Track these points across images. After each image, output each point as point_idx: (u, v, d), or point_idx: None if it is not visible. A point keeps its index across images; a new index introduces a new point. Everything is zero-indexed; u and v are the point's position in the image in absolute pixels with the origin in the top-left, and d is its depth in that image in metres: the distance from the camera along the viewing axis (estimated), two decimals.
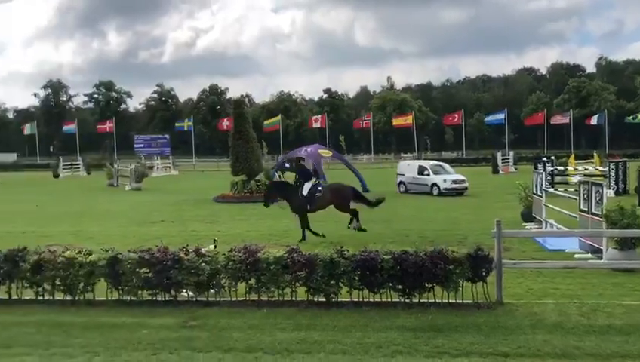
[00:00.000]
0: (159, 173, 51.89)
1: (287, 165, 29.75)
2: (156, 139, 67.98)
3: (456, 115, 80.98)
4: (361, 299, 8.79)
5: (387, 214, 20.41)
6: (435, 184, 28.46)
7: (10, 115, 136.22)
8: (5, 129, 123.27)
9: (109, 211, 23.08)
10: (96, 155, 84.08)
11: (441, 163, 33.21)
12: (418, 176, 29.47)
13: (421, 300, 8.68)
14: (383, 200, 16.44)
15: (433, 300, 8.65)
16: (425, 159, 51.15)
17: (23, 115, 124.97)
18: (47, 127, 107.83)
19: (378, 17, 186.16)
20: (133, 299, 9.02)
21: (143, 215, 21.51)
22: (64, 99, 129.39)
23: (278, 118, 78.11)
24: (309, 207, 15.63)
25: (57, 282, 9.07)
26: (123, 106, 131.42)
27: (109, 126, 77.18)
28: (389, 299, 8.73)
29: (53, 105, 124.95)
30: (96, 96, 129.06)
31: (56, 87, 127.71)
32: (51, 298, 9.19)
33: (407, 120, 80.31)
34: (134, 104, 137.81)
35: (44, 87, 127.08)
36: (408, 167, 31.37)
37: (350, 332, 7.59)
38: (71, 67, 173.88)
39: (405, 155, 69.69)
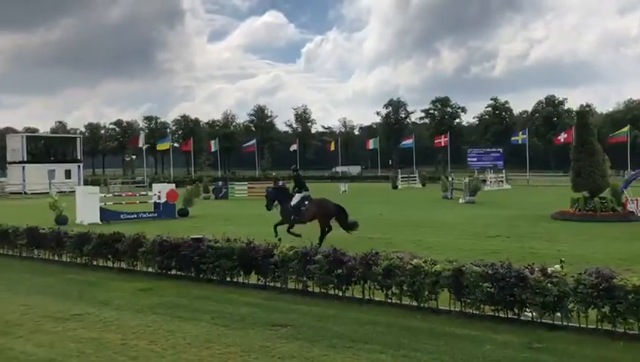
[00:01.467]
0: (492, 186, 51.56)
1: None
2: (489, 152, 67.59)
3: None
4: None
5: None
6: None
7: (356, 132, 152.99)
8: (352, 144, 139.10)
9: (445, 223, 23.77)
10: (429, 168, 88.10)
11: None
12: None
13: None
14: (357, 226, 17.43)
15: None
16: None
17: (367, 131, 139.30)
18: (386, 142, 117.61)
19: None
20: (475, 312, 9.07)
21: (478, 228, 21.57)
22: (402, 116, 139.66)
23: (627, 128, 69.84)
24: (293, 217, 16.72)
25: (405, 287, 9.65)
26: (457, 121, 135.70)
27: (443, 140, 79.91)
28: None
29: (393, 122, 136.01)
30: (432, 112, 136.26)
31: (395, 105, 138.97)
32: (399, 302, 9.81)
33: None
34: (467, 118, 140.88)
35: (386, 106, 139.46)
36: None
37: None
38: (407, 86, 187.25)
39: None
